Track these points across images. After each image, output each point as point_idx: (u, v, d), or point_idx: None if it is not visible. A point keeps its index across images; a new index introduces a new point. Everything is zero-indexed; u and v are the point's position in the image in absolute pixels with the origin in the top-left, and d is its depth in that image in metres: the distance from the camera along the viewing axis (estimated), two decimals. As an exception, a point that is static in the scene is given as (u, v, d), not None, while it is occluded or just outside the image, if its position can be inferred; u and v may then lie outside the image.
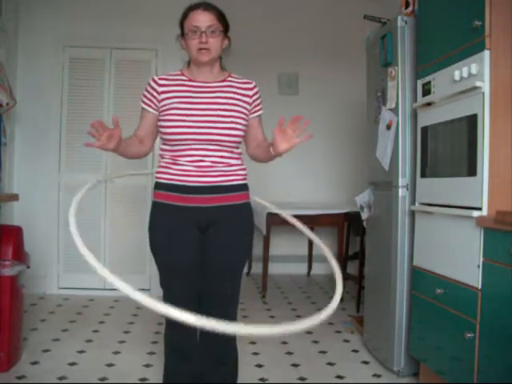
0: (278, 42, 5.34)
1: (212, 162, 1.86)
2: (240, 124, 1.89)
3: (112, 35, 4.27)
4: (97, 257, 4.19)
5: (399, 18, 2.63)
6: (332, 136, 5.46)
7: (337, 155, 5.47)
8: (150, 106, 1.91)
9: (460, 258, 2.14)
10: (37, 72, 4.24)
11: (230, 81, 1.94)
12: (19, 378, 2.49)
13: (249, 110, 1.94)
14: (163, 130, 1.88)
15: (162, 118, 1.88)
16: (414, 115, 2.59)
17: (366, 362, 2.87)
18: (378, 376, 2.68)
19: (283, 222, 4.29)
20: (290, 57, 5.36)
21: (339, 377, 2.65)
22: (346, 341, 3.23)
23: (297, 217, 4.59)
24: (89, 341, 3.09)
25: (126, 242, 4.30)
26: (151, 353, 2.91)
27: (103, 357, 2.83)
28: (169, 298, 1.91)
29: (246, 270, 5.20)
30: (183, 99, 1.87)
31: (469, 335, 2.02)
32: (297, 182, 5.42)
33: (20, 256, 2.62)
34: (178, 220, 1.87)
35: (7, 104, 3.54)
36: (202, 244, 1.91)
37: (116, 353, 2.90)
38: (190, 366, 1.92)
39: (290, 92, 5.46)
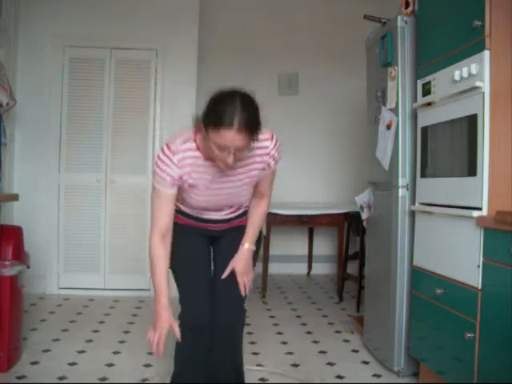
0: (278, 42, 5.34)
1: (230, 213, 2.01)
2: (254, 185, 1.96)
3: (112, 35, 4.27)
4: (97, 257, 4.21)
5: (399, 18, 2.63)
6: (332, 136, 5.46)
7: (337, 155, 5.47)
8: (171, 187, 1.78)
9: (460, 258, 2.14)
10: (37, 72, 4.24)
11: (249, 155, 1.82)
12: (19, 378, 2.49)
13: (265, 169, 1.90)
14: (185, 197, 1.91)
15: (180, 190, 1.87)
16: (414, 115, 2.59)
17: (366, 362, 2.87)
18: (378, 376, 2.68)
19: (283, 222, 4.33)
20: (290, 57, 5.36)
21: (339, 377, 2.65)
22: (346, 341, 3.23)
23: (297, 217, 4.62)
24: (89, 341, 3.08)
25: (126, 242, 4.30)
26: (151, 353, 2.90)
27: (103, 357, 2.83)
28: (186, 311, 1.95)
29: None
30: (203, 180, 1.82)
31: (469, 335, 2.02)
32: (297, 181, 5.42)
33: (20, 256, 2.62)
34: (194, 234, 2.02)
35: (7, 104, 3.54)
36: (212, 250, 2.09)
37: (116, 353, 2.90)
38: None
39: (290, 92, 5.46)
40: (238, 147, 1.60)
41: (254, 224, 2.03)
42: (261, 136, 1.72)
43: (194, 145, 1.76)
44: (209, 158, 1.76)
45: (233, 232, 2.05)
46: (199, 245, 2.03)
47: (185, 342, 1.87)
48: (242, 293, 1.97)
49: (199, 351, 1.92)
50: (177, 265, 1.97)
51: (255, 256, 2.14)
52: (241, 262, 1.98)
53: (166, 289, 1.79)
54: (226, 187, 1.86)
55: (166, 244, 1.82)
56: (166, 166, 1.73)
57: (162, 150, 1.75)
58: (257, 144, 1.74)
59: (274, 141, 1.84)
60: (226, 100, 1.59)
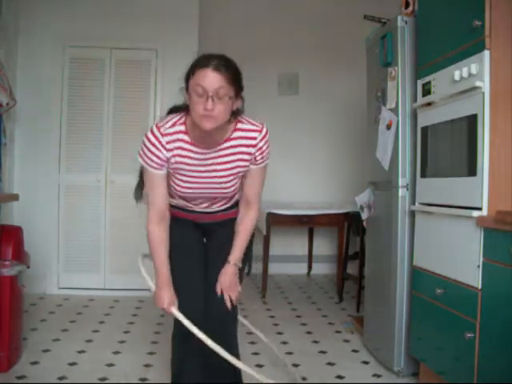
0: (278, 42, 5.34)
1: (217, 206, 1.98)
2: (241, 178, 1.93)
3: (112, 35, 4.27)
4: (97, 257, 4.19)
5: (399, 17, 2.63)
6: (332, 136, 5.46)
7: (337, 155, 5.47)
8: (161, 169, 1.79)
9: (460, 258, 2.14)
10: (37, 72, 4.24)
11: (236, 137, 1.80)
12: (19, 378, 2.49)
13: (251, 162, 1.86)
14: (170, 184, 1.91)
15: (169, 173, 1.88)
16: (414, 115, 2.59)
17: (366, 362, 2.87)
18: (378, 376, 2.68)
19: (283, 222, 4.33)
20: (290, 57, 5.36)
21: (339, 377, 2.65)
22: (346, 341, 3.23)
23: (297, 217, 4.62)
24: (89, 341, 3.08)
25: (126, 242, 4.29)
26: (151, 353, 2.91)
27: (103, 357, 2.83)
28: (179, 280, 1.94)
29: (245, 270, 5.19)
30: (189, 165, 1.81)
31: (469, 335, 2.02)
32: (297, 181, 5.42)
33: (20, 256, 2.62)
34: (184, 226, 2.00)
35: (7, 104, 3.54)
36: (204, 245, 2.06)
37: (116, 353, 2.91)
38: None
39: (290, 92, 5.46)
40: (215, 89, 1.59)
41: (241, 238, 1.96)
42: (250, 126, 1.79)
43: (183, 128, 1.76)
44: (196, 141, 1.77)
45: (225, 227, 2.02)
46: (191, 237, 2.02)
47: (180, 334, 1.91)
48: (229, 307, 1.93)
49: (194, 345, 1.91)
50: (169, 259, 1.95)
51: (241, 273, 2.06)
52: (225, 279, 1.94)
53: (168, 271, 1.84)
54: (210, 175, 1.83)
55: (163, 227, 1.84)
56: (154, 147, 1.74)
57: (151, 131, 1.75)
58: (244, 133, 1.78)
59: (264, 133, 1.81)
60: (202, 55, 1.67)
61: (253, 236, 2.10)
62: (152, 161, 1.76)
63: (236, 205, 2.04)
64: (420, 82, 2.50)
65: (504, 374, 1.82)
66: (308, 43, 5.37)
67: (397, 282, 2.63)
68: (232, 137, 1.80)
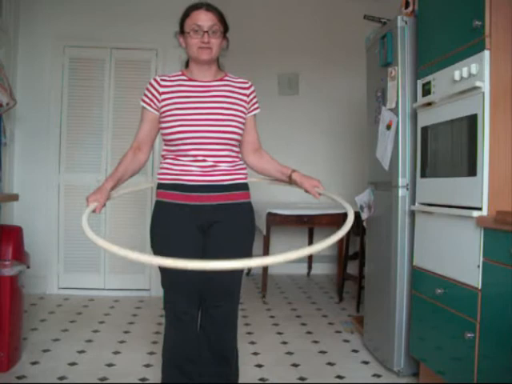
0: (278, 42, 5.34)
1: (215, 161, 1.88)
2: (239, 122, 1.94)
3: (112, 35, 4.27)
4: (97, 257, 4.19)
5: (399, 18, 2.63)
6: (332, 136, 5.46)
7: (337, 155, 5.47)
8: (150, 105, 1.93)
9: (460, 258, 2.14)
10: (37, 72, 4.24)
11: (228, 80, 2.00)
12: (19, 378, 2.49)
13: (246, 109, 1.98)
14: (164, 130, 1.90)
15: (163, 119, 1.91)
16: (414, 115, 2.59)
17: (365, 362, 2.87)
18: (378, 376, 2.68)
19: (283, 222, 4.32)
20: (290, 57, 5.37)
21: (339, 377, 2.65)
22: (346, 341, 3.23)
23: (297, 217, 4.61)
24: (89, 341, 3.08)
25: (126, 242, 4.29)
26: (151, 353, 2.91)
27: (103, 357, 2.83)
28: (170, 297, 1.92)
29: (246, 270, 5.20)
30: (183, 99, 1.90)
31: (469, 335, 2.02)
32: (297, 181, 5.41)
33: (20, 256, 2.63)
34: (180, 219, 1.88)
35: (7, 104, 3.54)
36: (203, 243, 1.92)
37: (116, 353, 2.90)
38: (191, 368, 1.92)
39: (290, 92, 5.46)
40: (210, 26, 1.86)
41: (273, 160, 2.13)
42: (238, 78, 2.02)
43: (180, 72, 1.99)
44: (195, 76, 1.94)
45: (230, 218, 1.91)
46: (186, 234, 1.89)
47: (171, 331, 1.91)
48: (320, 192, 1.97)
49: (186, 340, 1.92)
50: (159, 267, 1.88)
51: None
52: (306, 178, 2.04)
53: (116, 175, 1.85)
54: (208, 112, 1.87)
55: (135, 157, 1.94)
56: (150, 85, 1.94)
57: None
58: (234, 79, 2.00)
59: (253, 87, 2.02)
60: (193, 3, 1.91)
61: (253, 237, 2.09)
62: (146, 96, 1.94)
63: (242, 187, 1.96)
64: (420, 82, 2.50)
65: (504, 373, 1.82)
66: (308, 43, 5.37)
67: (397, 282, 2.64)
68: (225, 78, 1.99)
